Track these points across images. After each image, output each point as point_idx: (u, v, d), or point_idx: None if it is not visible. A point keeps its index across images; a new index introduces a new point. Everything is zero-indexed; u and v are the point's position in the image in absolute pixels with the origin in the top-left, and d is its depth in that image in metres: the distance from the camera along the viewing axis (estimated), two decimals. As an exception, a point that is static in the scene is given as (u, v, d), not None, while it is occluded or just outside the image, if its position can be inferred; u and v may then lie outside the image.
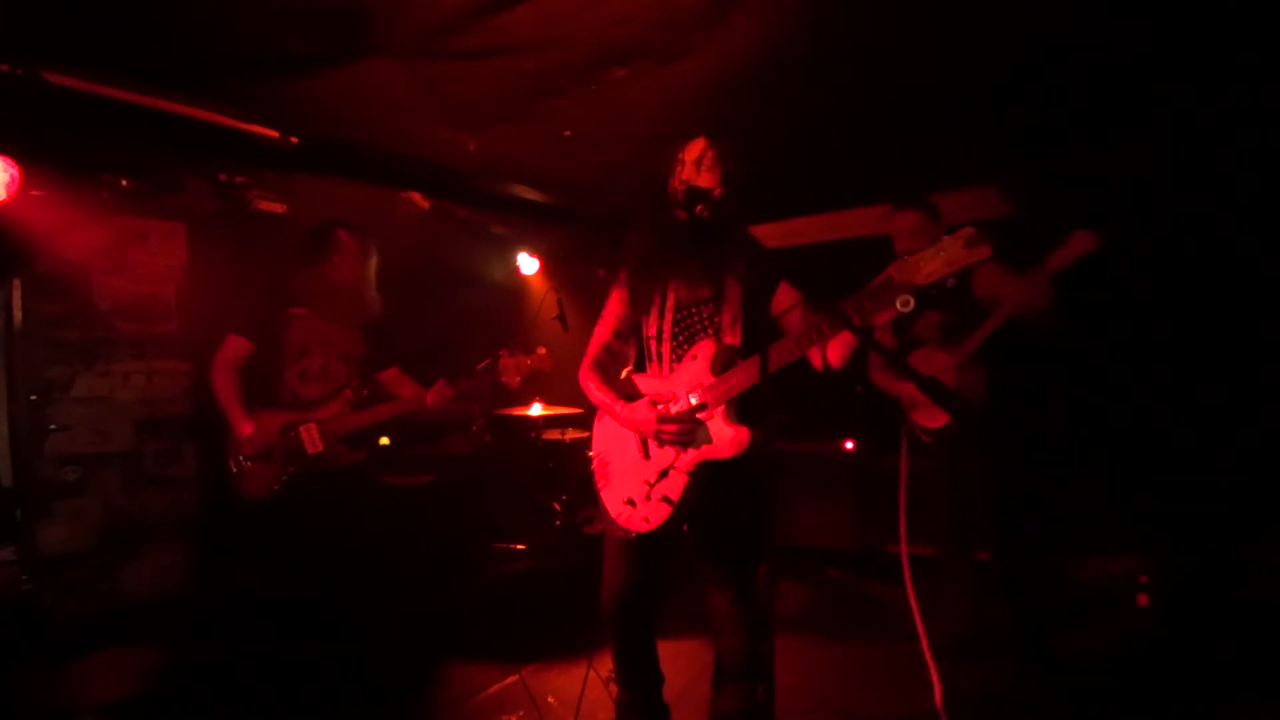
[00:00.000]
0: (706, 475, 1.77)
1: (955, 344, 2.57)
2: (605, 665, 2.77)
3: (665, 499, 1.80)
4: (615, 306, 2.00)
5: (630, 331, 1.99)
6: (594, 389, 1.95)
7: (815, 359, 1.79)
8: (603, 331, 2.01)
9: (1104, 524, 3.14)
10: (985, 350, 2.51)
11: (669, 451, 1.83)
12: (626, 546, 1.89)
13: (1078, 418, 3.23)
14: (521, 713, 2.54)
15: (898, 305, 1.48)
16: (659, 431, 1.79)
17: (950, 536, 2.65)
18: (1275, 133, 2.79)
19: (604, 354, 2.00)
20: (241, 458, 2.55)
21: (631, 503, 1.86)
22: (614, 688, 2.57)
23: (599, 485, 1.98)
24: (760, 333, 1.77)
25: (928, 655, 2.37)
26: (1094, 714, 2.43)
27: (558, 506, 3.85)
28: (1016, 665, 2.37)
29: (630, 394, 1.93)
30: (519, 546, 3.86)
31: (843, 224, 4.27)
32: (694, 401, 1.77)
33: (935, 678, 2.36)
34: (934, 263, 1.49)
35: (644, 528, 1.82)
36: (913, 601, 2.32)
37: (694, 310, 1.88)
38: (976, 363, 2.54)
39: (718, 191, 1.70)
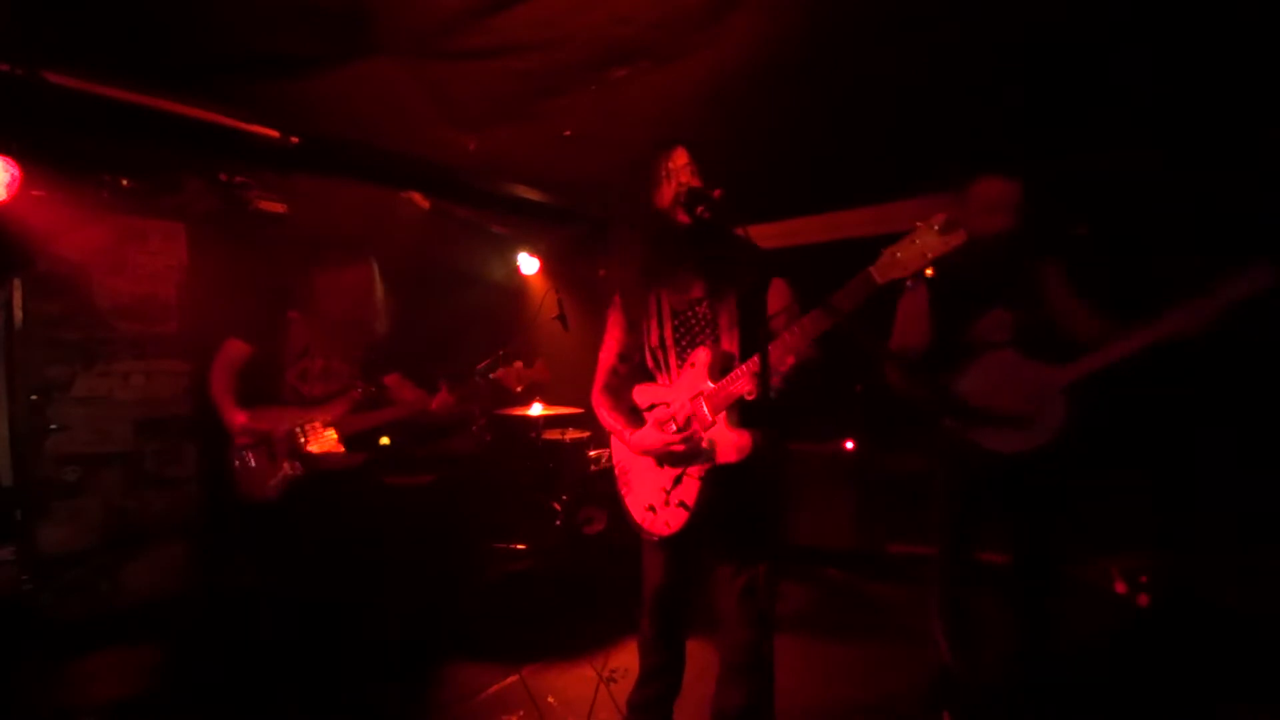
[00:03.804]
0: (717, 478, 1.80)
1: (1050, 357, 2.11)
2: (605, 665, 2.79)
3: (681, 504, 1.84)
4: (614, 330, 2.06)
5: (633, 350, 2.03)
6: (605, 414, 2.02)
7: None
8: (607, 356, 2.07)
9: (1105, 524, 3.14)
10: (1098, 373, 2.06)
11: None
12: (657, 548, 1.97)
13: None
14: (521, 713, 2.54)
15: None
16: (669, 454, 1.84)
17: (958, 538, 2.38)
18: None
19: (611, 377, 2.06)
20: (238, 448, 2.56)
21: (653, 509, 1.92)
22: (614, 687, 2.58)
23: (622, 493, 2.04)
24: (757, 335, 1.78)
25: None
26: (1094, 714, 2.43)
27: (558, 506, 3.85)
28: (1019, 666, 2.35)
29: (635, 409, 1.99)
30: (519, 546, 3.86)
31: (843, 224, 4.27)
32: (705, 414, 1.78)
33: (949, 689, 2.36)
34: (909, 254, 1.48)
35: (666, 531, 1.88)
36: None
37: (690, 314, 1.90)
38: (1080, 386, 2.09)
39: (718, 192, 1.72)
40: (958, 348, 2.24)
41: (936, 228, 1.44)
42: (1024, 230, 2.18)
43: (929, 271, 1.46)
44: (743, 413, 1.77)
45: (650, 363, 1.97)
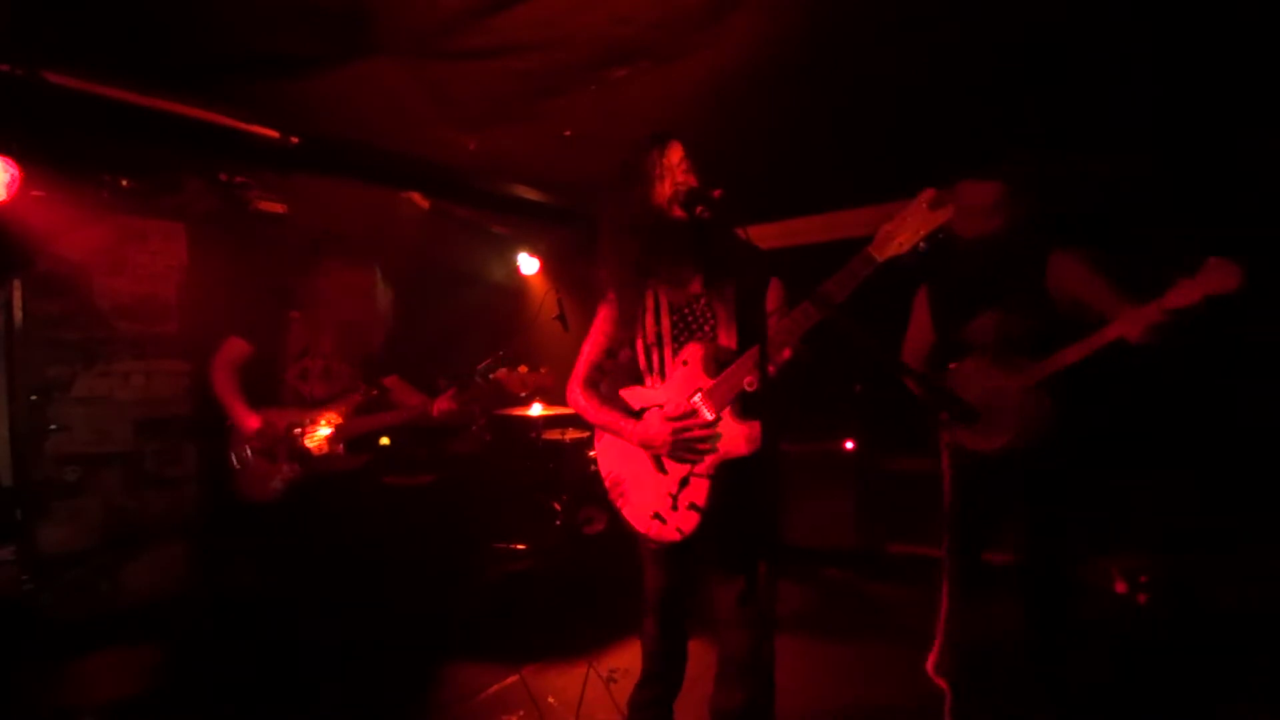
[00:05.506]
0: (726, 475, 1.78)
1: (1017, 362, 2.11)
2: (605, 665, 2.79)
3: (693, 506, 1.79)
4: (604, 324, 1.98)
5: (621, 347, 1.98)
6: (594, 411, 1.93)
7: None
8: (592, 350, 1.99)
9: (1106, 524, 3.14)
10: (1060, 376, 2.05)
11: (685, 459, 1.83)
12: (662, 555, 1.91)
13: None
14: (521, 713, 2.54)
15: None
16: (677, 444, 1.78)
17: (963, 539, 2.34)
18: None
19: (594, 373, 1.99)
20: (248, 451, 2.56)
21: (659, 517, 1.86)
22: (615, 687, 2.58)
23: (618, 504, 1.97)
24: (755, 331, 1.77)
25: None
26: (1095, 714, 2.43)
27: (558, 506, 3.85)
28: (1024, 668, 2.34)
29: (627, 410, 1.92)
30: (519, 546, 3.86)
31: (843, 224, 4.28)
32: (706, 411, 1.77)
33: (946, 686, 2.36)
34: (904, 232, 1.56)
35: (677, 538, 1.82)
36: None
37: (688, 310, 1.88)
38: (1043, 389, 2.08)
39: (718, 192, 1.71)
40: (951, 349, 2.28)
41: (926, 204, 1.55)
42: (1017, 230, 2.16)
43: (922, 245, 1.55)
44: (745, 405, 1.76)
45: (642, 360, 1.92)
